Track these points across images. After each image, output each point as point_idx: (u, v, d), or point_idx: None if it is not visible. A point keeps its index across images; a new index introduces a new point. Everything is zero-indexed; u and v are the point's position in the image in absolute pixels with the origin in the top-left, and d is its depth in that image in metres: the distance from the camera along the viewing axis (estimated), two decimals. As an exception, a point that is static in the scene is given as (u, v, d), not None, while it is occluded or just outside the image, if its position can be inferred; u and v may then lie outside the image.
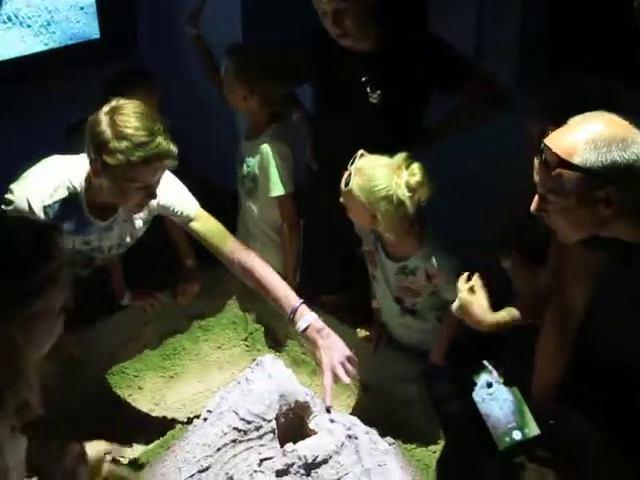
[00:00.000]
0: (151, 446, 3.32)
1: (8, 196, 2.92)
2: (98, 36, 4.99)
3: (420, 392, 3.34)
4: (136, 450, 3.33)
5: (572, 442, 2.29)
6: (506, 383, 1.55)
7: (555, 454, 2.17)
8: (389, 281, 3.28)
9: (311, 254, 3.94)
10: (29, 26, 4.71)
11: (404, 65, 3.29)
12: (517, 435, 1.50)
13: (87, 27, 4.95)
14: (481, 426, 1.50)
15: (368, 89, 3.34)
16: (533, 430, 1.50)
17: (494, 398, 1.53)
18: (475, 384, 1.54)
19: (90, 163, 2.84)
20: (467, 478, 1.52)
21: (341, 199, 3.07)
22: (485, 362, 1.59)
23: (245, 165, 3.86)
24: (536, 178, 2.25)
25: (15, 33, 4.65)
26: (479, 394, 1.53)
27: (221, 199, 3.81)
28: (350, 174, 2.99)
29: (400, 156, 3.01)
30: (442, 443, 3.24)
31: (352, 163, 3.02)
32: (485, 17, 3.78)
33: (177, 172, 3.13)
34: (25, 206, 2.89)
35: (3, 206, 2.93)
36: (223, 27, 4.63)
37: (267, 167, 3.74)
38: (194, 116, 4.74)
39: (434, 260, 3.12)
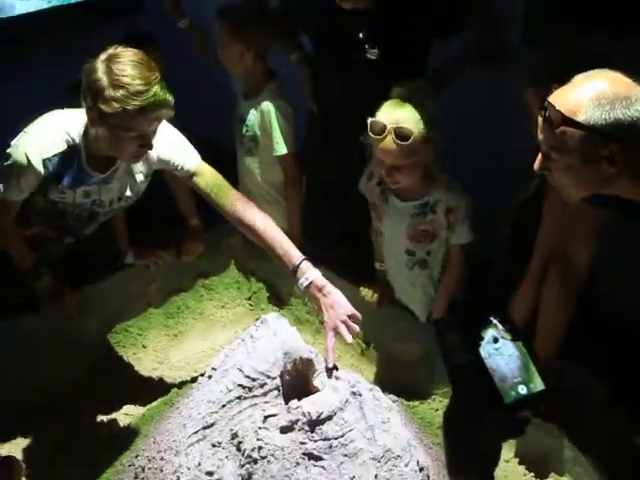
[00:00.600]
0: (155, 403, 3.37)
1: (9, 151, 2.93)
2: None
3: (423, 351, 3.37)
4: (140, 407, 3.38)
5: (575, 397, 2.31)
6: (512, 339, 1.55)
7: (559, 409, 2.19)
8: (401, 230, 3.24)
9: (312, 210, 3.92)
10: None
11: (401, 21, 3.25)
12: (522, 390, 1.50)
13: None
14: (487, 380, 1.51)
15: (366, 45, 3.32)
16: (538, 385, 1.51)
17: (500, 353, 1.53)
18: (482, 339, 1.54)
19: (87, 112, 2.81)
20: (473, 431, 1.53)
21: (393, 163, 3.02)
22: (492, 318, 1.59)
23: (245, 125, 3.82)
24: (539, 136, 2.25)
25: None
26: (485, 349, 1.53)
27: (222, 158, 3.80)
28: (400, 131, 2.93)
29: (394, 93, 3.04)
30: (445, 401, 3.28)
31: (377, 132, 2.96)
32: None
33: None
34: (24, 160, 2.89)
35: (5, 162, 2.93)
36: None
37: (269, 126, 3.71)
38: (196, 76, 4.71)
39: (455, 191, 3.14)
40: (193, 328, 3.92)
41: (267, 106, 3.69)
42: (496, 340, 1.57)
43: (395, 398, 2.94)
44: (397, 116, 2.98)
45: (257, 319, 2.95)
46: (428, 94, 3.07)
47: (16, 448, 3.16)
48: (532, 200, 3.04)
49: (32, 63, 4.51)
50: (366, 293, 3.53)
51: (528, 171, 2.34)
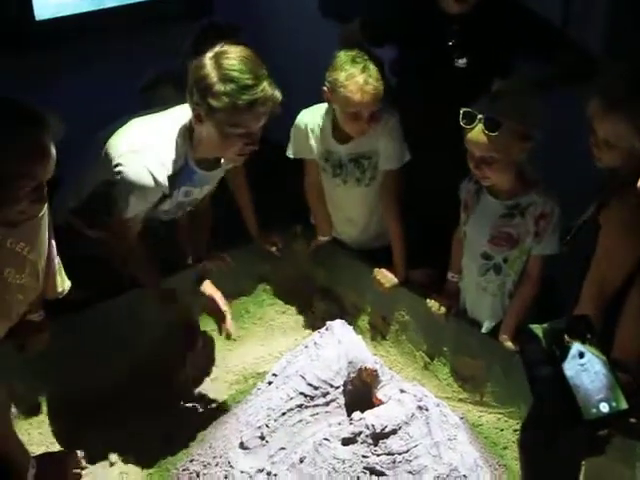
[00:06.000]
0: (210, 407, 3.32)
1: (121, 169, 2.90)
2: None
3: (487, 368, 3.26)
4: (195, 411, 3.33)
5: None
6: (598, 354, 1.45)
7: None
8: (485, 230, 3.12)
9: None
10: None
11: (492, 31, 3.17)
12: (604, 408, 1.40)
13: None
14: (568, 396, 1.41)
15: (455, 53, 3.22)
16: (622, 404, 1.41)
17: (585, 369, 1.43)
18: (567, 352, 1.45)
19: (193, 109, 2.84)
20: (549, 449, 1.44)
21: (482, 154, 2.92)
22: (578, 330, 1.50)
23: (366, 160, 3.50)
24: None
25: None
26: (570, 364, 1.44)
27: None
28: (488, 121, 2.85)
29: (496, 86, 2.96)
30: (510, 421, 3.16)
31: (466, 121, 2.88)
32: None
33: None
34: (151, 181, 2.91)
35: (121, 182, 2.91)
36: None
37: (394, 139, 3.44)
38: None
39: (551, 197, 3.00)
40: (252, 333, 3.84)
41: (393, 121, 3.43)
42: (582, 355, 1.47)
43: (462, 415, 2.84)
44: (490, 106, 2.88)
45: (319, 327, 2.89)
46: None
47: (68, 447, 3.09)
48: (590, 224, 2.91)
49: (98, 62, 4.50)
50: (433, 304, 3.41)
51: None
